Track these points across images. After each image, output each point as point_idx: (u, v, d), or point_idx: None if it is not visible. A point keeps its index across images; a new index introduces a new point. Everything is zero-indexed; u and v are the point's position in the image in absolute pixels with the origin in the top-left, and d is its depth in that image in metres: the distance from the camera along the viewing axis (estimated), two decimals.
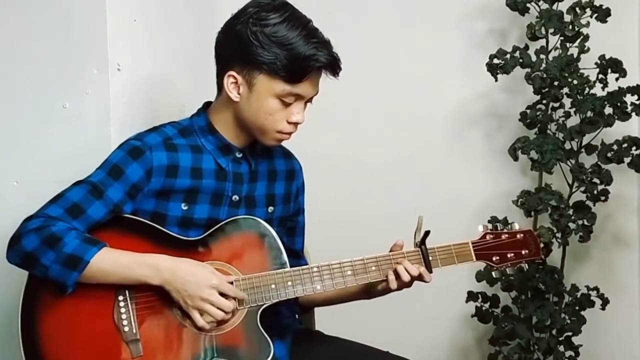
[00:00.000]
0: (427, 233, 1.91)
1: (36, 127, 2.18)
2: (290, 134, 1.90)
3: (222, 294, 1.80)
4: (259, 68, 1.81)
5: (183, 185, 1.88)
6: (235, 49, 1.84)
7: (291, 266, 1.89)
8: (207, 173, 1.90)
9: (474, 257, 1.95)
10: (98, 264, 1.76)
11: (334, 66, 1.85)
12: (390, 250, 1.93)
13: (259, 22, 1.80)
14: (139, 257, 1.80)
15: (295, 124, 1.88)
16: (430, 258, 1.91)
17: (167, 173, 1.86)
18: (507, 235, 1.98)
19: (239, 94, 1.85)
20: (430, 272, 1.91)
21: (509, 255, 1.97)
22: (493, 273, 2.00)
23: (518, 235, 1.99)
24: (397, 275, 1.89)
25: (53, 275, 1.75)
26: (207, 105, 1.98)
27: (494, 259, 1.96)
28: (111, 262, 1.78)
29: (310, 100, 1.90)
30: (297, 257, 2.07)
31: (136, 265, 1.78)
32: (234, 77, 1.84)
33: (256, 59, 1.80)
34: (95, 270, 1.76)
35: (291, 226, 2.07)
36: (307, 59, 1.80)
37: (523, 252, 1.98)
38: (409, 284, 1.91)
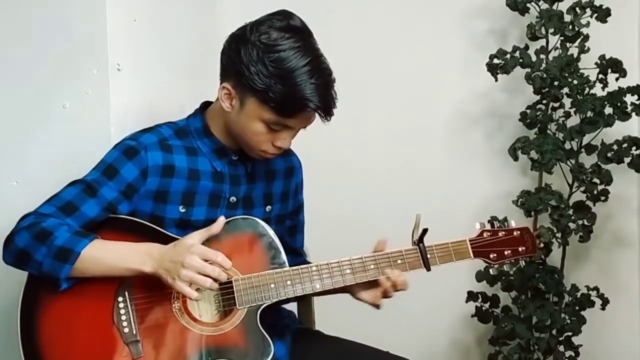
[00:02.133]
0: (424, 231, 1.91)
1: (36, 127, 2.18)
2: (273, 154, 1.88)
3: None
4: (251, 92, 1.78)
5: (180, 187, 1.88)
6: (234, 65, 1.80)
7: (293, 264, 1.90)
8: (204, 175, 1.90)
9: (471, 255, 1.95)
10: (90, 255, 1.74)
11: (326, 111, 1.80)
12: (374, 251, 1.93)
13: (265, 47, 1.76)
14: (132, 245, 1.79)
15: (280, 148, 1.86)
16: (429, 256, 1.92)
17: (163, 173, 1.86)
18: (503, 233, 1.99)
19: (231, 105, 1.84)
20: (429, 270, 1.92)
21: (506, 253, 1.98)
22: (491, 270, 2.01)
23: (515, 233, 1.99)
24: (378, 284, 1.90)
25: (46, 270, 1.75)
26: (205, 105, 1.98)
27: (491, 256, 1.97)
28: (103, 252, 1.76)
29: (300, 129, 1.87)
30: (298, 254, 2.08)
31: (128, 253, 1.77)
32: (228, 90, 1.83)
33: (250, 83, 1.77)
34: (87, 262, 1.74)
35: (292, 224, 2.08)
36: (300, 100, 1.76)
37: (520, 249, 1.99)
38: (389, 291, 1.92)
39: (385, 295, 1.92)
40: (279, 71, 1.75)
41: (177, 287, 1.75)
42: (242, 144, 1.89)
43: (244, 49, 1.78)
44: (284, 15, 1.82)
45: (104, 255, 1.76)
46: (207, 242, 1.85)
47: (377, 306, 1.95)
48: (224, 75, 1.85)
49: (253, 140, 1.84)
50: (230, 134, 1.90)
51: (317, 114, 1.81)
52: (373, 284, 1.92)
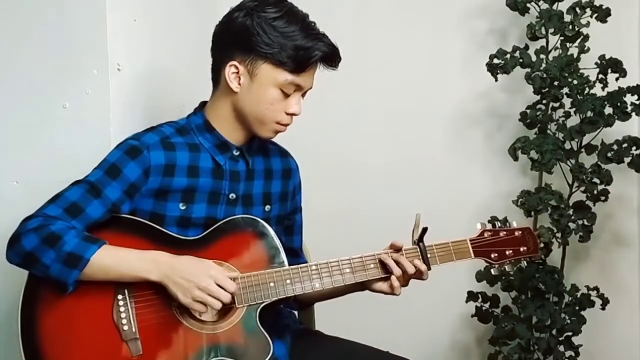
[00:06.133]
0: (424, 230, 1.91)
1: (36, 127, 2.19)
2: (286, 125, 1.91)
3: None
4: (263, 57, 1.84)
5: (180, 185, 1.88)
6: (237, 38, 1.86)
7: (290, 264, 1.89)
8: (204, 171, 1.91)
9: (472, 254, 1.95)
10: (98, 262, 1.76)
11: (334, 56, 1.88)
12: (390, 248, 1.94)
13: (261, 15, 1.83)
14: (139, 253, 1.80)
15: (292, 116, 1.90)
16: (429, 255, 1.92)
17: (165, 172, 1.87)
18: (505, 233, 1.98)
19: (239, 84, 1.87)
20: (429, 269, 1.92)
21: (507, 252, 1.98)
22: (492, 270, 2.00)
23: (516, 233, 1.99)
24: (389, 270, 1.90)
25: (54, 274, 1.76)
26: (203, 104, 1.99)
27: (492, 256, 1.97)
28: (111, 259, 1.78)
29: (305, 92, 1.92)
30: (296, 255, 2.07)
31: (136, 261, 1.79)
32: (236, 67, 1.86)
33: (261, 48, 1.83)
34: (95, 268, 1.76)
35: (289, 225, 2.08)
36: (310, 50, 1.83)
37: (521, 249, 1.99)
38: (404, 278, 1.92)
39: (406, 284, 1.94)
40: (282, 30, 1.82)
41: (185, 303, 1.78)
42: (253, 124, 1.90)
43: (244, 20, 1.84)
44: None
45: (112, 262, 1.78)
46: (210, 241, 1.87)
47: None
48: (226, 56, 1.88)
49: (268, 112, 1.87)
50: (236, 121, 1.91)
51: (324, 67, 1.89)
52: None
